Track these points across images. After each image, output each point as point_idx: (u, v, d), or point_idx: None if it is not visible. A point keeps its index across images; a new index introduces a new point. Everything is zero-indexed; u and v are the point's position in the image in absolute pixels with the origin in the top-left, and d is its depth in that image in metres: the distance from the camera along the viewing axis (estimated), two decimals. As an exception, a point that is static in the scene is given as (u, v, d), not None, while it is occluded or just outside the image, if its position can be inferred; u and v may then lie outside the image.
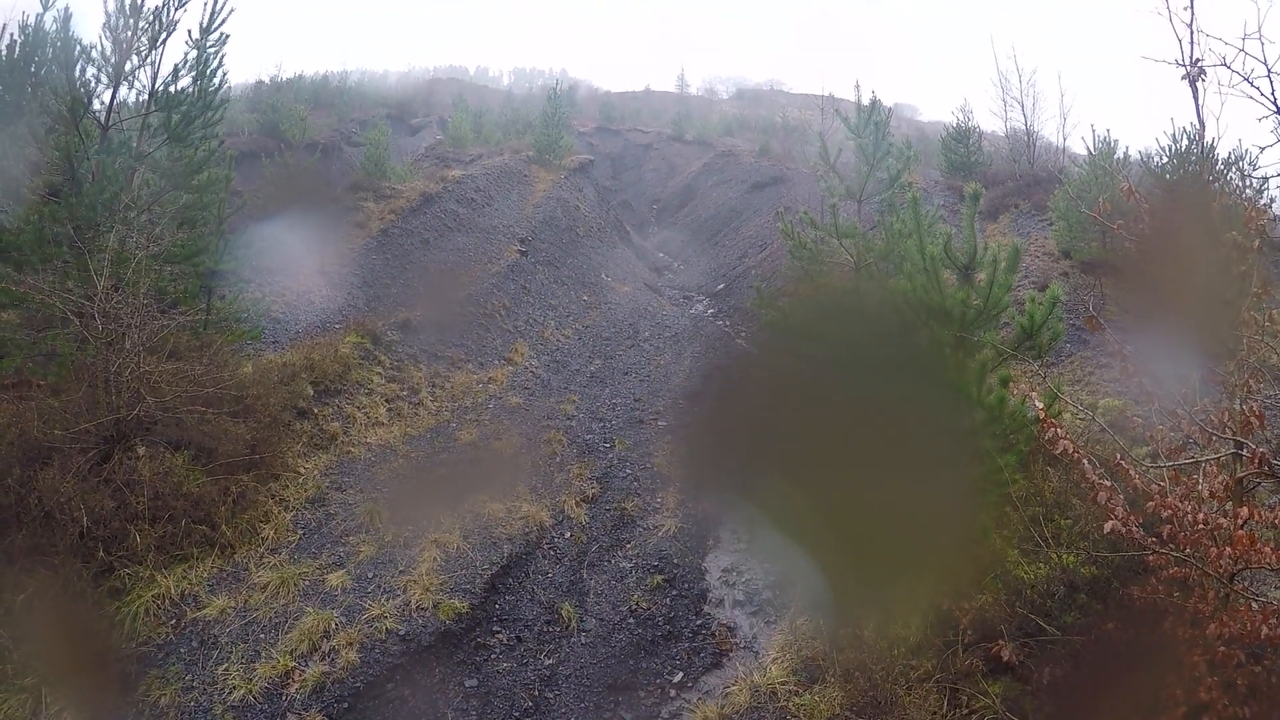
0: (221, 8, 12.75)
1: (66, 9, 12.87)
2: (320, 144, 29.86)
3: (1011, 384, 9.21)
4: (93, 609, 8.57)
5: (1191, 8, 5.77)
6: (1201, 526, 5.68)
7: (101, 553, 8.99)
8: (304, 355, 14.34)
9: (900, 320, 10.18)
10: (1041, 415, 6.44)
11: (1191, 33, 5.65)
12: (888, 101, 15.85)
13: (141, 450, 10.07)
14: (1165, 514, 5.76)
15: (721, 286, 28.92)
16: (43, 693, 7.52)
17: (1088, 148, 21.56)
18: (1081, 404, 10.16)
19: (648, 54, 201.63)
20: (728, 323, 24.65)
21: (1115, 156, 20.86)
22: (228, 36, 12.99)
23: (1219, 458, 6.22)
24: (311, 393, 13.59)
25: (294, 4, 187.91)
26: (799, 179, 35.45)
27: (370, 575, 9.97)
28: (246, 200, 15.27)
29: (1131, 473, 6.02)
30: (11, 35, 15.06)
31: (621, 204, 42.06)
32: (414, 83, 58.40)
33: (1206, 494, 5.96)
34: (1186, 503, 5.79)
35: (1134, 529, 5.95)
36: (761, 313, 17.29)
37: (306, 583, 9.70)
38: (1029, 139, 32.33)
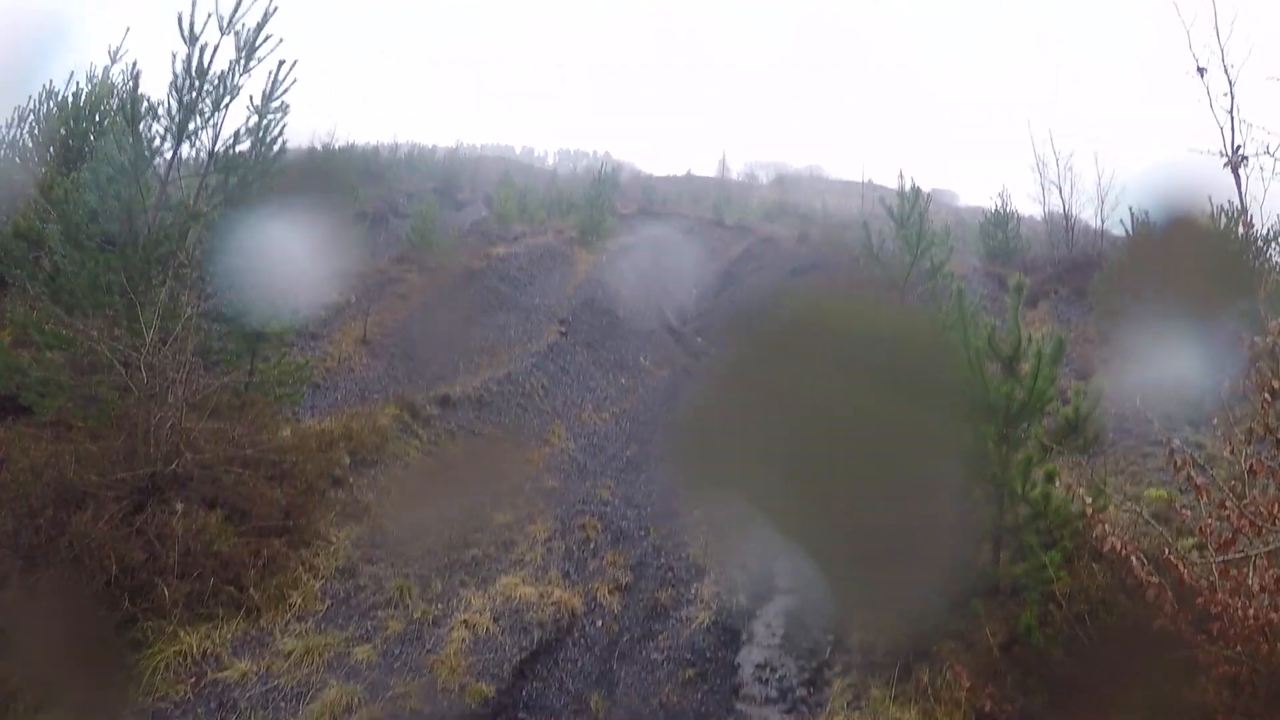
0: (285, 77, 12.94)
1: (134, 65, 13.23)
2: (369, 213, 30.33)
3: (1056, 478, 8.99)
4: (113, 658, 8.32)
5: (1231, 94, 5.77)
6: (1252, 622, 5.49)
7: (127, 603, 8.72)
8: (343, 424, 14.27)
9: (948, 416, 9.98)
10: (1089, 511, 6.27)
11: (1233, 120, 5.65)
12: (924, 188, 15.85)
13: (178, 505, 9.93)
14: (1215, 610, 5.59)
15: (759, 376, 28.68)
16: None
17: (1126, 230, 21.48)
18: (1126, 495, 9.88)
19: (690, 137, 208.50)
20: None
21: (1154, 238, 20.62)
22: (289, 107, 13.20)
23: (1269, 550, 5.96)
24: (348, 462, 13.45)
25: (352, 74, 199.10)
26: (837, 266, 35.44)
27: (397, 652, 9.61)
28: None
29: (1180, 567, 5.82)
30: (78, 84, 15.63)
31: (660, 288, 42.25)
32: (461, 159, 59.79)
33: (1257, 588, 5.72)
34: (1237, 598, 5.60)
35: (1183, 626, 5.79)
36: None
37: (332, 654, 9.35)
38: (1067, 223, 32.26)
